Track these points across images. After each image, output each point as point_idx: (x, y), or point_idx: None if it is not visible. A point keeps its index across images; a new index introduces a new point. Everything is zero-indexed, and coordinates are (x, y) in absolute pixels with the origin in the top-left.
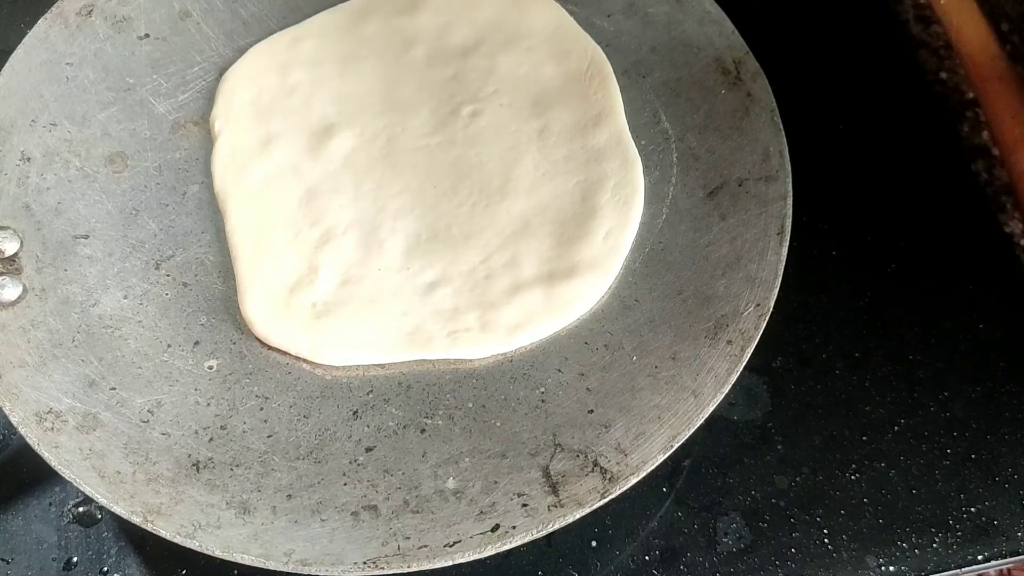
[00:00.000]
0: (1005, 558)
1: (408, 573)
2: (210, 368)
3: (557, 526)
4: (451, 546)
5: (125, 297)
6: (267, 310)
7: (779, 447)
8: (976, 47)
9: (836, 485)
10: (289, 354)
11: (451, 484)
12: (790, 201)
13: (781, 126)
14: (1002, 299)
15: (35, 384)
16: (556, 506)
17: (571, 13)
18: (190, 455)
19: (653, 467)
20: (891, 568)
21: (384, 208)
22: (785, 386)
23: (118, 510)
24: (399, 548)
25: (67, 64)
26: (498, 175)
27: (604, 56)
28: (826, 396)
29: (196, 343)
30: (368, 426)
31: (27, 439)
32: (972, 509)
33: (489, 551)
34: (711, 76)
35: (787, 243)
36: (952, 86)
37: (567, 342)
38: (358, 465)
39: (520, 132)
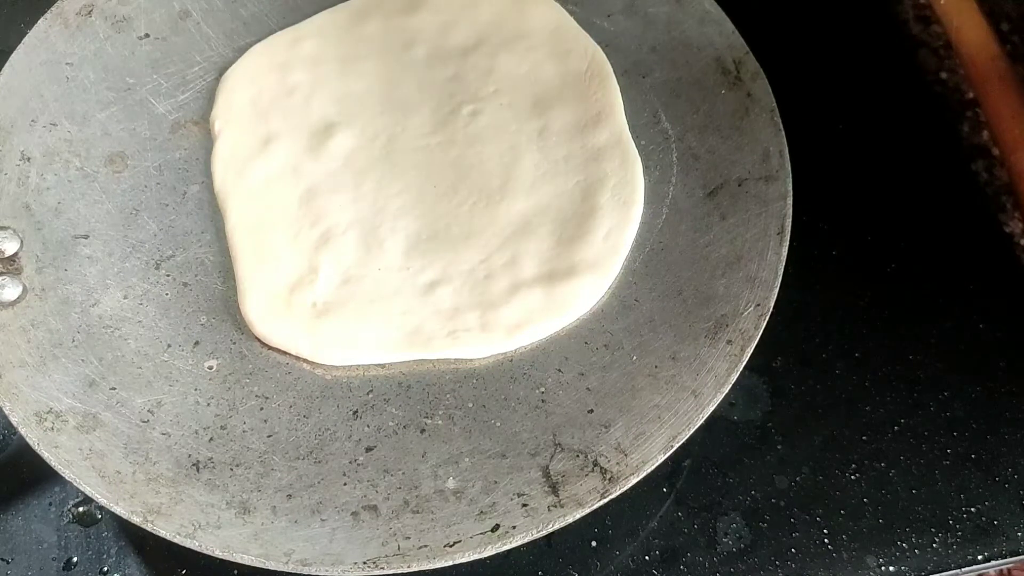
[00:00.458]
0: (1005, 558)
1: (408, 573)
2: (210, 368)
3: (557, 526)
4: (451, 546)
5: (125, 297)
6: (267, 310)
7: (779, 447)
8: (976, 47)
9: (836, 485)
10: (289, 354)
11: (451, 484)
12: (790, 201)
13: (781, 126)
14: (1002, 299)
15: (35, 384)
16: (556, 506)
17: (571, 13)
18: (190, 455)
19: (653, 467)
20: (891, 568)
21: (384, 208)
22: (785, 386)
23: (118, 510)
24: (399, 548)
25: (67, 64)
26: (498, 175)
27: (604, 56)
28: (826, 396)
29: (196, 343)
30: (368, 426)
31: (27, 439)
32: (972, 509)
33: (489, 551)
34: (711, 76)
35: (787, 243)
36: (952, 86)
37: (567, 342)
38: (358, 465)
39: (520, 132)
